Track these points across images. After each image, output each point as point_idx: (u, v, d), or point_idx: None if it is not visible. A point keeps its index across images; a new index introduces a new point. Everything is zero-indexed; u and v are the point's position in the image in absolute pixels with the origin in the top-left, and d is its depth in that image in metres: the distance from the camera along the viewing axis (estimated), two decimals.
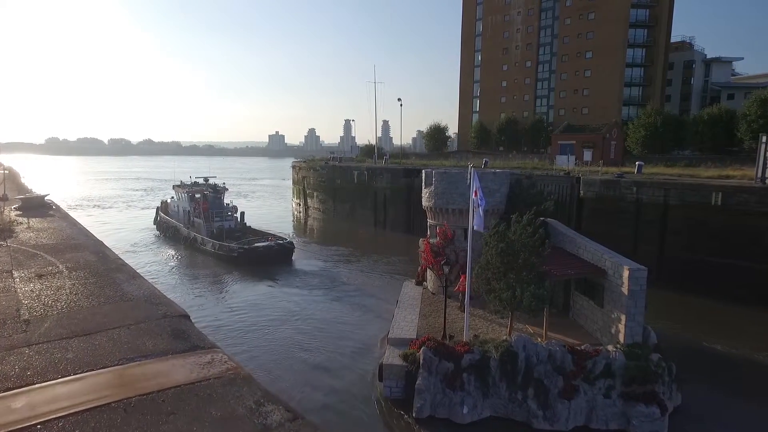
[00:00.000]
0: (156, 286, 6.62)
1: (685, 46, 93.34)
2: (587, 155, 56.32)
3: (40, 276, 6.17)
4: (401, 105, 68.28)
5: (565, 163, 54.21)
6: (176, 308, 4.96)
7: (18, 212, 12.83)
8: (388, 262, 42.16)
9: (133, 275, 6.28)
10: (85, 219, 61.80)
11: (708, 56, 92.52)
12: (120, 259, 7.34)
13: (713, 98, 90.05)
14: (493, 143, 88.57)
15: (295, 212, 76.12)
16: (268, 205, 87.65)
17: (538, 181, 41.90)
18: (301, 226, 65.84)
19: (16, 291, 5.59)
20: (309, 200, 71.79)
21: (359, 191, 59.88)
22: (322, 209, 67.41)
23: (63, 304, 5.17)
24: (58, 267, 6.69)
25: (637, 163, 42.32)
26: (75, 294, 5.49)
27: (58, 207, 14.36)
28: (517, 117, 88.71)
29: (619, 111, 77.78)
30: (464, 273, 22.28)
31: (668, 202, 33.18)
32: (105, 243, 9.14)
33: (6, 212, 12.44)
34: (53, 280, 6.05)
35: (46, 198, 14.69)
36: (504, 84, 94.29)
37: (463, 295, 23.29)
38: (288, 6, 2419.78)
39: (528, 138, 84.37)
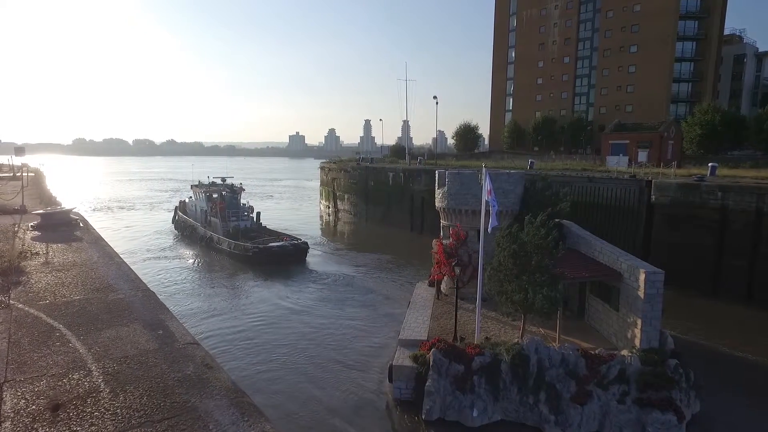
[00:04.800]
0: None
1: (735, 39, 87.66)
2: (642, 156, 52.14)
3: (55, 409, 3.08)
4: (437, 103, 64.47)
5: (617, 163, 50.21)
6: None
7: (35, 232, 9.90)
8: (428, 270, 38.87)
9: (238, 403, 3.12)
10: (111, 222, 60.22)
11: (760, 50, 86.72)
12: (194, 341, 4.20)
13: (765, 94, 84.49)
14: (529, 143, 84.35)
15: (324, 215, 73.21)
16: (296, 207, 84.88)
17: (599, 185, 38.19)
18: (330, 230, 62.86)
19: None
20: (339, 202, 68.76)
21: (394, 193, 56.60)
22: (353, 212, 64.31)
23: None
24: (89, 372, 3.62)
25: (710, 164, 38.06)
26: None
27: (86, 224, 11.33)
28: (553, 115, 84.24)
29: (666, 108, 72.74)
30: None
31: (762, 209, 29.12)
32: (157, 294, 6.01)
33: (20, 233, 9.50)
34: (81, 425, 2.90)
35: (72, 212, 11.74)
36: (539, 81, 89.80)
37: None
38: (305, 6, 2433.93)
39: (566, 137, 79.90)
